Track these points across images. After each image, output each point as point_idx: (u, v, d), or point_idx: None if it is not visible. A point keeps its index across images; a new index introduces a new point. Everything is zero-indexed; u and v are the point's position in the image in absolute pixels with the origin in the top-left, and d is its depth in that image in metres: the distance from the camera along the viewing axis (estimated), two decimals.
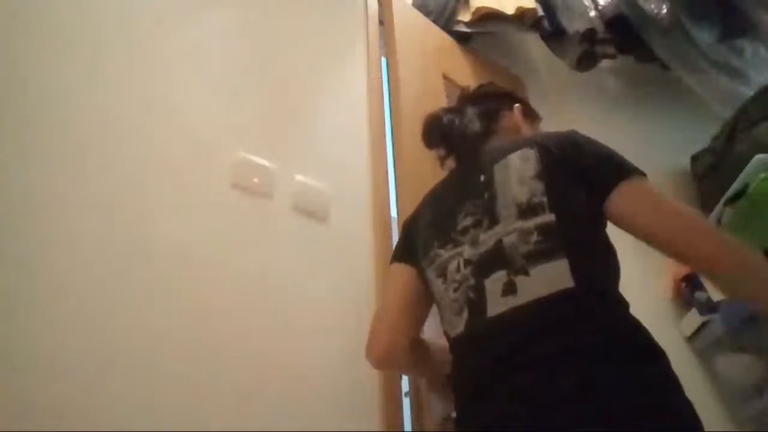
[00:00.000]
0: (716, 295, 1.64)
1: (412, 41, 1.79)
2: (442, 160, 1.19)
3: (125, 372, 0.93)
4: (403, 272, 1.06)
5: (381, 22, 1.90)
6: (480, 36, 2.13)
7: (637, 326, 0.81)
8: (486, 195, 0.95)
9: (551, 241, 0.85)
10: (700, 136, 2.09)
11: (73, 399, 0.87)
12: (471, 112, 1.16)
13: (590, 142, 0.99)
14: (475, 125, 1.13)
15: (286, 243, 1.26)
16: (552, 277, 0.82)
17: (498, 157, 0.99)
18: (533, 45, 2.50)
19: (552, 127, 2.31)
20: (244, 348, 1.07)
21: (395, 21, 1.79)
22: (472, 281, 0.90)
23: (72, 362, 0.89)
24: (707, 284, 1.67)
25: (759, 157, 1.75)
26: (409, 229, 1.12)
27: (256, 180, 1.27)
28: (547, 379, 0.74)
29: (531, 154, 0.95)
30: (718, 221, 1.84)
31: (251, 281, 1.16)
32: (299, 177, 1.35)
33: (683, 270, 1.73)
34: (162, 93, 1.25)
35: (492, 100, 1.19)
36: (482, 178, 0.98)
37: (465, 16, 2.10)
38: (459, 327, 0.89)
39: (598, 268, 0.86)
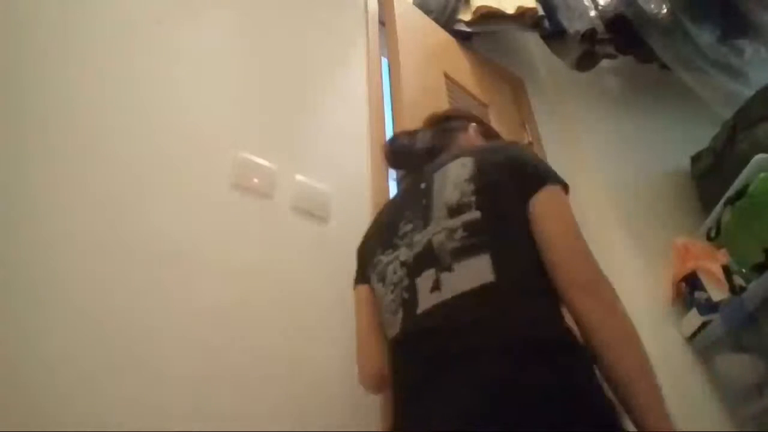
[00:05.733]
0: (716, 294, 1.64)
1: (412, 41, 1.79)
2: (401, 181, 1.24)
3: (125, 372, 0.93)
4: (363, 293, 1.07)
5: (381, 22, 1.90)
6: (480, 35, 2.14)
7: (556, 322, 0.80)
8: (424, 201, 0.98)
9: (476, 236, 0.87)
10: (700, 136, 2.09)
11: (73, 399, 0.87)
12: (426, 133, 1.22)
13: (525, 151, 1.03)
14: (426, 144, 1.18)
15: (286, 243, 1.26)
16: (474, 272, 0.83)
17: (438, 167, 1.02)
18: (533, 45, 2.50)
19: (552, 127, 2.31)
20: (243, 348, 1.07)
21: (396, 20, 1.79)
22: (406, 281, 0.92)
23: (71, 362, 0.89)
24: (707, 284, 1.67)
25: (759, 157, 1.75)
26: (361, 250, 1.13)
27: (256, 180, 1.27)
28: (468, 379, 0.74)
29: (469, 161, 0.98)
30: (718, 221, 1.84)
31: (251, 281, 1.15)
32: (299, 177, 1.34)
33: (683, 270, 1.73)
34: (162, 93, 1.25)
35: (448, 122, 1.23)
36: (423, 186, 1.02)
37: (466, 16, 2.10)
38: (395, 328, 0.91)
39: (523, 263, 0.85)
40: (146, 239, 1.06)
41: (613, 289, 0.81)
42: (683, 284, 1.73)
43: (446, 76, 1.84)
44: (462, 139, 1.18)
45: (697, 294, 1.67)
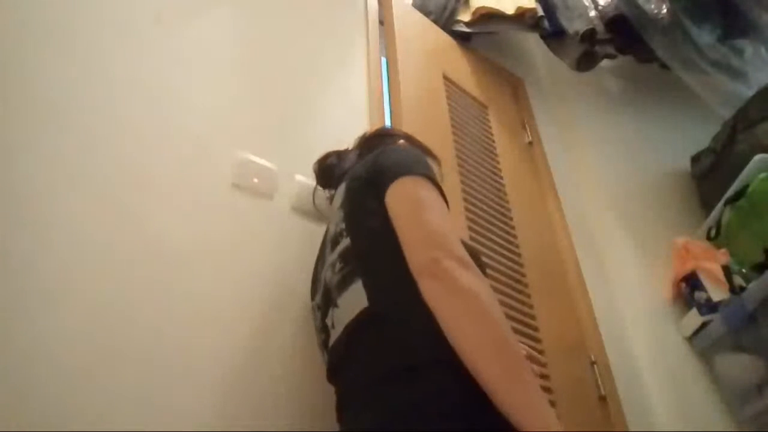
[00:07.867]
0: (716, 294, 1.64)
1: (411, 41, 1.79)
2: (329, 201, 1.23)
3: (124, 372, 0.93)
4: None
5: (381, 22, 1.90)
6: (480, 36, 2.14)
7: (429, 338, 0.69)
8: (326, 235, 0.99)
9: (350, 265, 0.84)
10: (700, 136, 2.09)
11: (73, 398, 0.87)
12: (353, 153, 1.20)
13: (388, 154, 0.93)
14: (350, 165, 1.14)
15: (286, 243, 1.26)
16: (352, 301, 0.80)
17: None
18: (533, 45, 2.50)
19: (552, 127, 2.31)
20: (243, 348, 1.07)
21: (395, 21, 1.79)
22: (321, 324, 0.93)
23: (71, 362, 0.89)
24: (707, 284, 1.67)
25: (759, 157, 1.75)
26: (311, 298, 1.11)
27: (256, 180, 1.27)
28: (359, 415, 0.73)
29: (343, 186, 0.96)
30: (718, 221, 1.84)
31: (251, 281, 1.15)
32: (299, 177, 1.34)
33: (683, 270, 1.73)
34: (162, 93, 1.25)
35: (376, 140, 1.19)
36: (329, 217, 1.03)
37: (465, 16, 2.10)
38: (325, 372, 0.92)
39: (396, 276, 0.76)
40: (146, 239, 1.06)
41: (466, 266, 0.70)
42: (683, 284, 1.73)
43: (445, 77, 1.84)
44: None
45: (697, 294, 1.68)
